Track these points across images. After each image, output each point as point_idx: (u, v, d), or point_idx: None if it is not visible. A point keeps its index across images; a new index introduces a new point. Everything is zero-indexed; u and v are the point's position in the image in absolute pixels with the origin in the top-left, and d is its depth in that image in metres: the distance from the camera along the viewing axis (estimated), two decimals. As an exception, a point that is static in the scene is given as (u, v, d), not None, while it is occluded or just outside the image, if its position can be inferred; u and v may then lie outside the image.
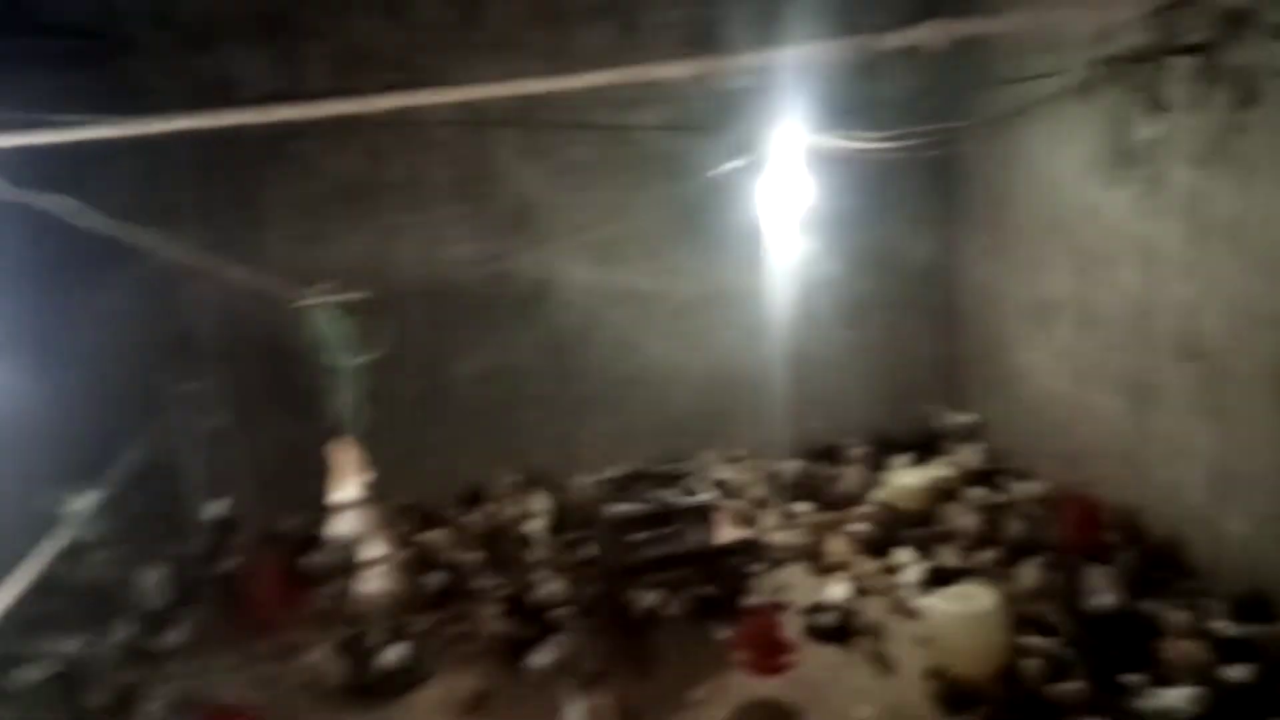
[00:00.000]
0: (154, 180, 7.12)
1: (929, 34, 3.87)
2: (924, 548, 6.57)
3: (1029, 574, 5.96)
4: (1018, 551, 6.24)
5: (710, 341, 8.42)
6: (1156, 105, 4.52)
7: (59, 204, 3.58)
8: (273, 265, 7.72)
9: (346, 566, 5.00)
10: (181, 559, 6.60)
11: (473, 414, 8.17)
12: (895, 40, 4.01)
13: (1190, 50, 4.03)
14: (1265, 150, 5.15)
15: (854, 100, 7.60)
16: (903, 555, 6.49)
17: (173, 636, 5.99)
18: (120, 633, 6.15)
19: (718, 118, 7.88)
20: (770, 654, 5.27)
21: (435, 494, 7.92)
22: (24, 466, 6.83)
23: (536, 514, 7.39)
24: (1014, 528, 6.57)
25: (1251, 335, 5.43)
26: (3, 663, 5.70)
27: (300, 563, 6.97)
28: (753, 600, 5.92)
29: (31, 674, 5.60)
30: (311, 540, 7.40)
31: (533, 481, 7.92)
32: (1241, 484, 5.57)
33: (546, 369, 8.35)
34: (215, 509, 5.76)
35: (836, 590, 6.17)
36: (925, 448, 8.12)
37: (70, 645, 5.92)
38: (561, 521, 7.36)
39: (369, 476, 4.90)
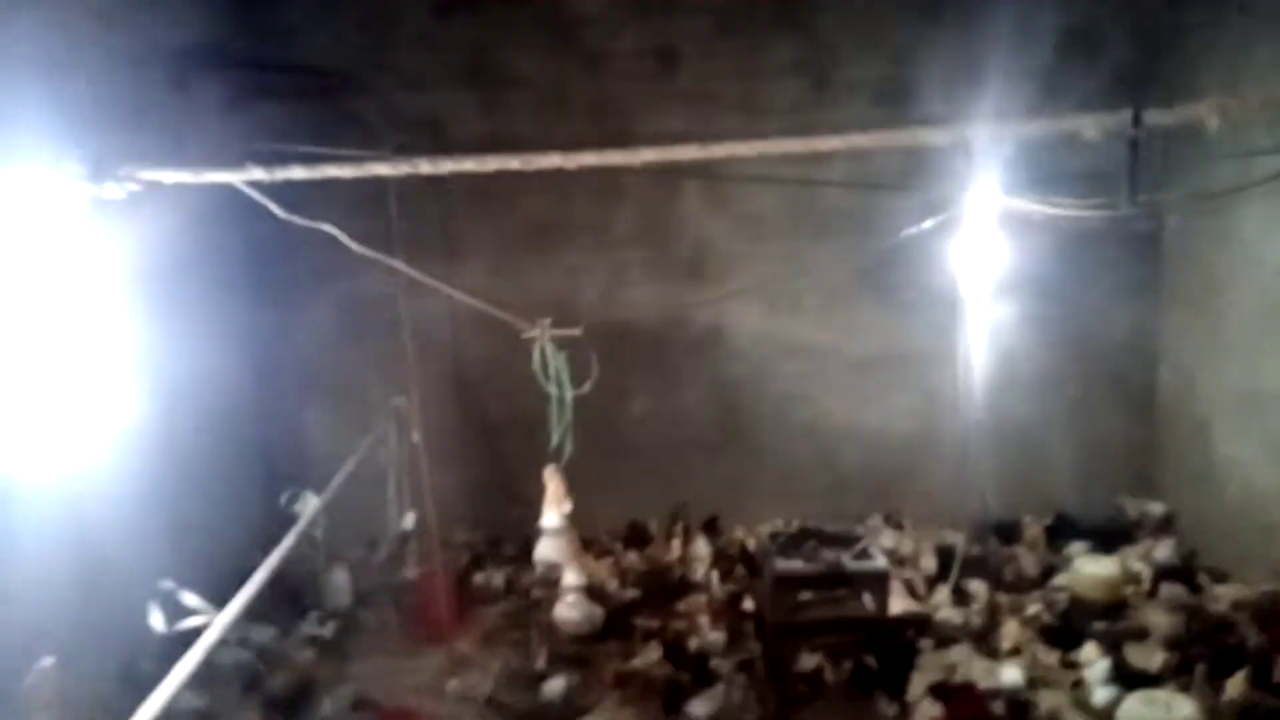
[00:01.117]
0: (363, 207, 7.65)
1: (1122, 124, 3.73)
2: (1111, 644, 6.14)
3: (1235, 687, 5.47)
4: (1220, 660, 5.75)
5: (886, 402, 8.25)
6: None
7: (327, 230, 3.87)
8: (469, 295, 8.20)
9: (546, 589, 5.15)
10: (368, 565, 6.96)
11: (638, 454, 8.27)
12: (1092, 127, 3.89)
13: None
14: None
15: (1055, 165, 7.38)
16: (1087, 649, 6.09)
17: (353, 638, 6.27)
18: (307, 629, 6.54)
19: (907, 175, 7.81)
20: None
21: (596, 529, 8.06)
22: (256, 469, 7.41)
23: (698, 559, 7.37)
24: (1215, 634, 6.07)
25: None
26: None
27: (474, 582, 7.24)
28: (939, 674, 5.68)
29: (226, 657, 6.01)
30: (484, 560, 7.70)
31: (694, 527, 7.93)
32: None
33: (714, 416, 8.39)
34: (406, 521, 6.02)
35: (1011, 674, 5.84)
36: (1110, 535, 7.65)
37: (263, 635, 6.32)
38: (722, 570, 7.31)
39: (570, 505, 5.06)
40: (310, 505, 4.34)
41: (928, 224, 6.56)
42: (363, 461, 5.54)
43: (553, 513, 5.08)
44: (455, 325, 8.21)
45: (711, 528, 7.95)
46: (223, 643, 6.22)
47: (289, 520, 4.33)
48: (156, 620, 3.02)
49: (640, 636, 6.50)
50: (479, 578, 7.45)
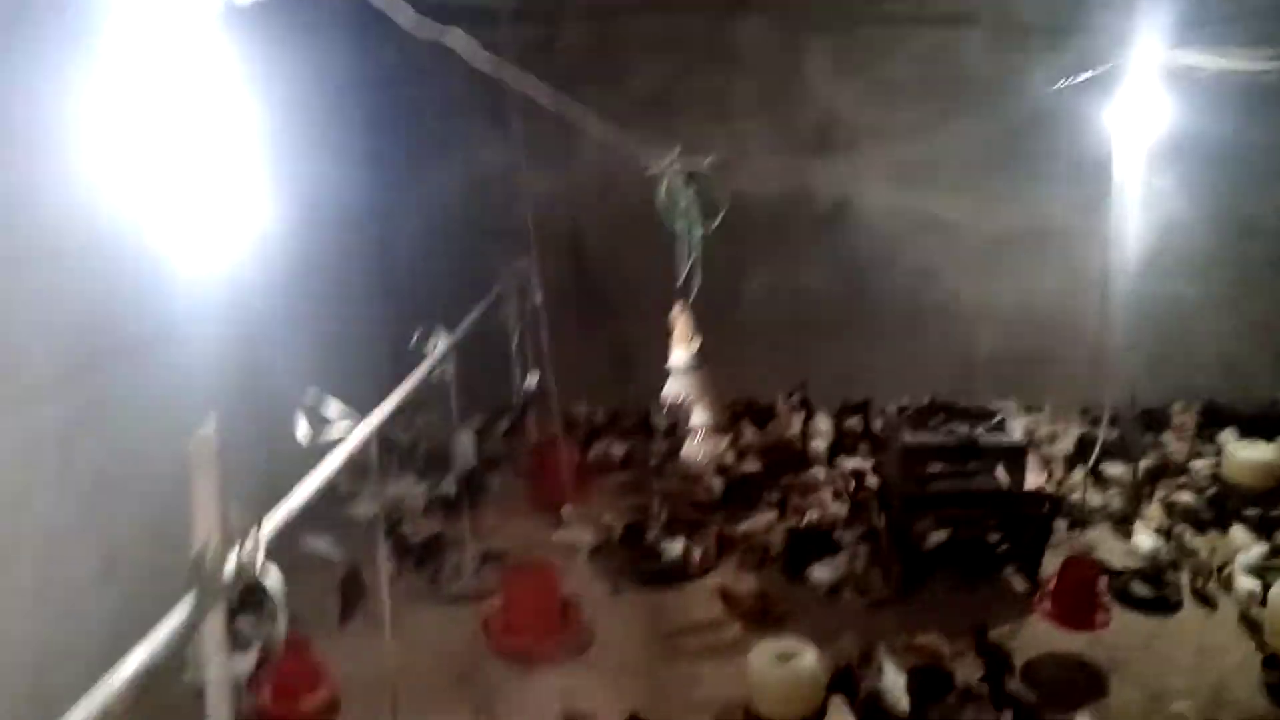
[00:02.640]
0: (483, 78, 7.55)
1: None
2: (1264, 530, 5.77)
3: None
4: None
5: (1025, 280, 7.81)
6: None
7: (459, 41, 3.77)
8: (583, 169, 8.08)
9: (677, 428, 5.13)
10: (492, 426, 7.10)
11: (759, 331, 8.09)
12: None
13: None
14: None
15: (1224, 7, 6.70)
16: (1236, 533, 5.74)
17: (478, 498, 6.44)
18: (435, 486, 6.76)
19: (1053, 34, 7.22)
20: (1083, 607, 4.84)
21: (715, 406, 7.99)
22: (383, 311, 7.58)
23: (819, 435, 7.23)
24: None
25: None
26: (339, 498, 6.45)
27: (593, 452, 7.34)
28: (1068, 552, 5.46)
29: (360, 510, 6.27)
30: (602, 432, 7.77)
31: (816, 405, 7.76)
32: None
33: (839, 293, 8.11)
34: (529, 382, 6.06)
35: (1147, 544, 5.57)
36: (1265, 425, 7.12)
37: (394, 489, 6.57)
38: (844, 447, 7.17)
39: (699, 342, 5.00)
40: (441, 344, 4.35)
41: (1079, 77, 6.05)
42: (486, 322, 5.57)
43: (681, 351, 5.00)
44: (573, 205, 8.12)
45: (831, 406, 7.75)
46: (357, 496, 6.59)
47: (418, 361, 4.36)
48: (302, 431, 3.06)
49: (761, 507, 6.46)
50: (597, 448, 7.52)
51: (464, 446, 6.98)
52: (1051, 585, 5.13)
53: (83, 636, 3.96)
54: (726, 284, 8.03)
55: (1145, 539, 5.71)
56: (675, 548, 5.94)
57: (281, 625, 2.10)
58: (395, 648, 5.16)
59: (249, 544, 2.02)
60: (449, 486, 6.78)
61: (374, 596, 5.70)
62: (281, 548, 2.32)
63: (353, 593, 5.67)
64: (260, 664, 4.47)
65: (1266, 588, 4.97)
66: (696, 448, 5.13)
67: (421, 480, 6.97)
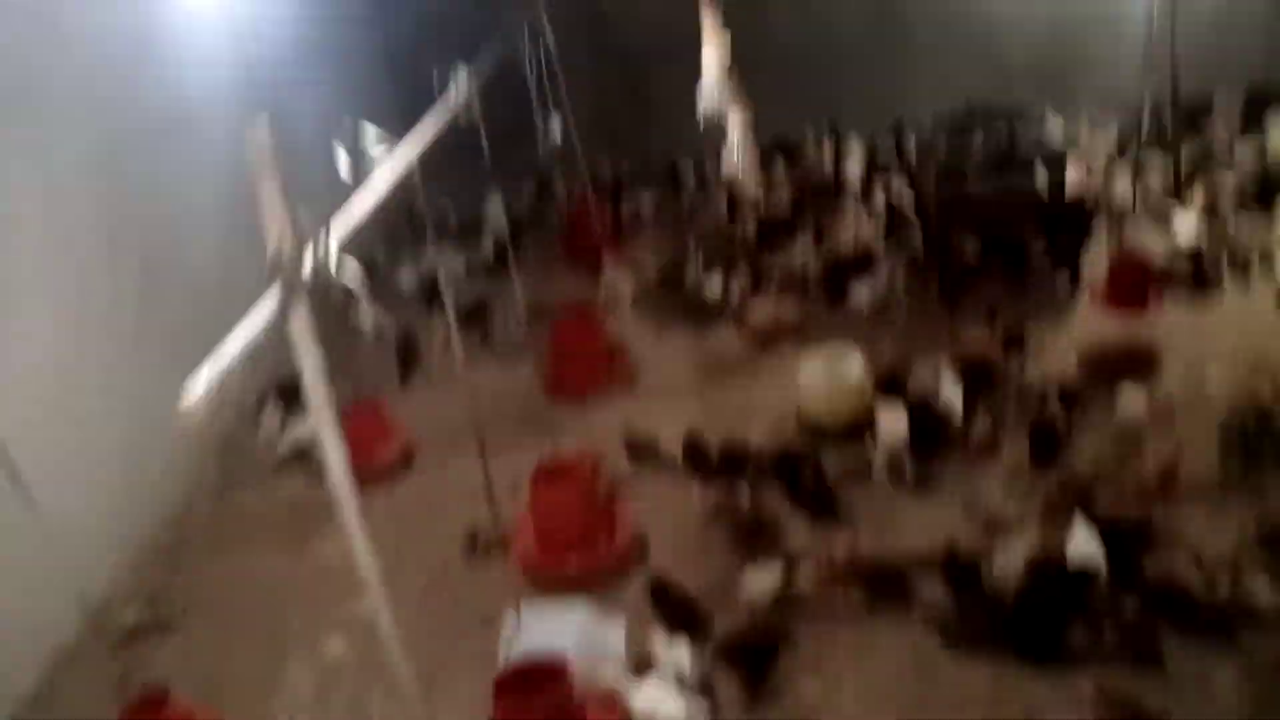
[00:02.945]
0: None
1: None
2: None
3: None
4: None
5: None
6: None
7: None
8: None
9: (716, 137, 5.07)
10: (520, 187, 7.00)
11: (783, 59, 7.72)
12: None
13: None
14: None
15: None
16: (1281, 211, 5.66)
17: (515, 259, 6.47)
18: (472, 256, 6.84)
19: None
20: (1135, 294, 4.89)
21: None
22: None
23: (852, 161, 7.08)
24: None
25: None
26: (379, 270, 6.58)
27: (622, 206, 7.32)
28: (1112, 246, 5.46)
29: (404, 281, 6.39)
30: (631, 186, 7.71)
31: (846, 132, 7.56)
32: None
33: (864, 10, 7.67)
34: (550, 133, 5.94)
35: (1190, 239, 5.55)
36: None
37: (431, 259, 6.64)
38: (878, 168, 7.05)
39: (729, 41, 4.83)
40: (463, 81, 4.22)
41: None
42: (502, 74, 5.38)
43: (711, 50, 4.80)
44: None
45: (863, 133, 7.53)
46: (401, 266, 6.70)
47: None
48: (344, 165, 3.04)
49: (796, 237, 6.47)
50: (627, 202, 7.48)
51: (495, 210, 6.98)
52: (1101, 280, 5.13)
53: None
54: (750, 18, 7.62)
55: (1185, 225, 5.65)
56: (715, 285, 6.03)
57: (366, 314, 2.22)
58: (460, 398, 5.48)
59: (321, 244, 2.07)
60: (486, 251, 6.84)
61: (428, 358, 5.94)
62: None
63: (409, 356, 5.89)
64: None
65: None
66: (737, 158, 5.00)
67: (459, 249, 7.04)
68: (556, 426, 5.01)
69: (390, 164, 3.13)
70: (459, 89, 4.15)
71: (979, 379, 4.62)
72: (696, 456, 4.47)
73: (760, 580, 3.67)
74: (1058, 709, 3.08)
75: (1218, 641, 3.21)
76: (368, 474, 4.91)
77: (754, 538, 4.00)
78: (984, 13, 7.54)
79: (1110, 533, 3.56)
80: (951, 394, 4.50)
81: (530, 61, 5.60)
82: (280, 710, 3.69)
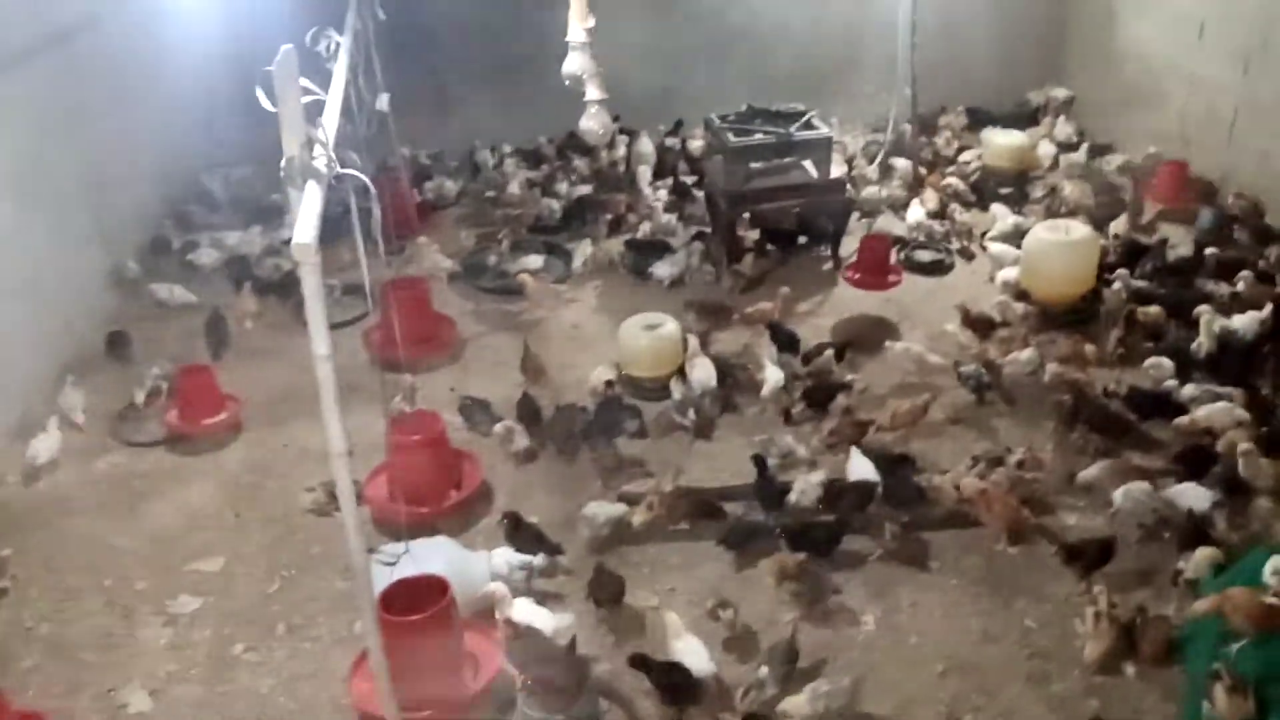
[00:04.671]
0: None
1: None
2: (1016, 204, 6.96)
3: (1117, 226, 6.41)
4: (1109, 210, 6.67)
5: (817, 5, 8.32)
6: None
7: None
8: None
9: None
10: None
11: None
12: None
13: None
14: None
15: None
16: (995, 208, 6.86)
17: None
18: (278, 234, 6.82)
19: None
20: (880, 272, 5.83)
21: (532, 138, 8.34)
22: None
23: (643, 160, 7.70)
24: (1105, 191, 6.98)
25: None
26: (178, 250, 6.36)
27: (426, 190, 7.56)
28: (863, 233, 6.46)
29: (203, 258, 6.24)
30: (431, 172, 7.92)
31: (633, 131, 8.19)
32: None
33: (647, 17, 8.29)
34: (379, 104, 6.07)
35: (919, 224, 6.72)
36: (1018, 120, 8.25)
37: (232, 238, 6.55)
38: (666, 166, 7.73)
39: (593, 21, 5.23)
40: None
41: None
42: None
43: (577, 26, 5.17)
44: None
45: (650, 130, 8.19)
46: (197, 246, 6.57)
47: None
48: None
49: (598, 225, 7.02)
50: (430, 186, 7.70)
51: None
52: (854, 258, 6.06)
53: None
54: (539, 15, 8.05)
55: (917, 213, 6.80)
56: (525, 263, 6.46)
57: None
58: (281, 369, 5.54)
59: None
60: (289, 230, 6.80)
61: (239, 332, 5.92)
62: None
63: (219, 331, 5.84)
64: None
65: (1017, 249, 6.10)
66: (595, 119, 5.39)
67: (263, 230, 7.00)
68: (389, 391, 5.21)
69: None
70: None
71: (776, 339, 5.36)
72: (529, 414, 4.87)
73: (599, 513, 4.16)
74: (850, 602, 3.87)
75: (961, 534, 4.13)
76: (199, 438, 4.94)
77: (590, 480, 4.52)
78: (750, 19, 8.36)
79: (880, 459, 4.40)
80: (750, 354, 5.24)
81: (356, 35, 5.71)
82: (134, 666, 3.72)
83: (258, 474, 4.80)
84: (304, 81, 3.13)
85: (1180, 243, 6.23)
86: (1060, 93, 8.37)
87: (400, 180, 6.91)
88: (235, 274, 6.35)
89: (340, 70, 3.44)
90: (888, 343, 5.35)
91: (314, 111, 2.96)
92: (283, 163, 2.39)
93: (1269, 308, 5.12)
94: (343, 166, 2.68)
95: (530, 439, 4.76)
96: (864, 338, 5.59)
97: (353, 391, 5.34)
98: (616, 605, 3.81)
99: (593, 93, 5.39)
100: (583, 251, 6.58)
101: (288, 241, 6.46)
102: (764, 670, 3.40)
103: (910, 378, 5.19)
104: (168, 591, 4.07)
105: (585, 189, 7.49)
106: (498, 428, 4.79)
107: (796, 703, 3.27)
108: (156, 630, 3.90)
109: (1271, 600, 3.27)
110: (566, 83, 5.41)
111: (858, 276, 5.91)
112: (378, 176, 6.99)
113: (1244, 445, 4.17)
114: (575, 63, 5.32)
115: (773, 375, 4.96)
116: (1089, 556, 3.85)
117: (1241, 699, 3.08)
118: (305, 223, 2.35)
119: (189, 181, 7.68)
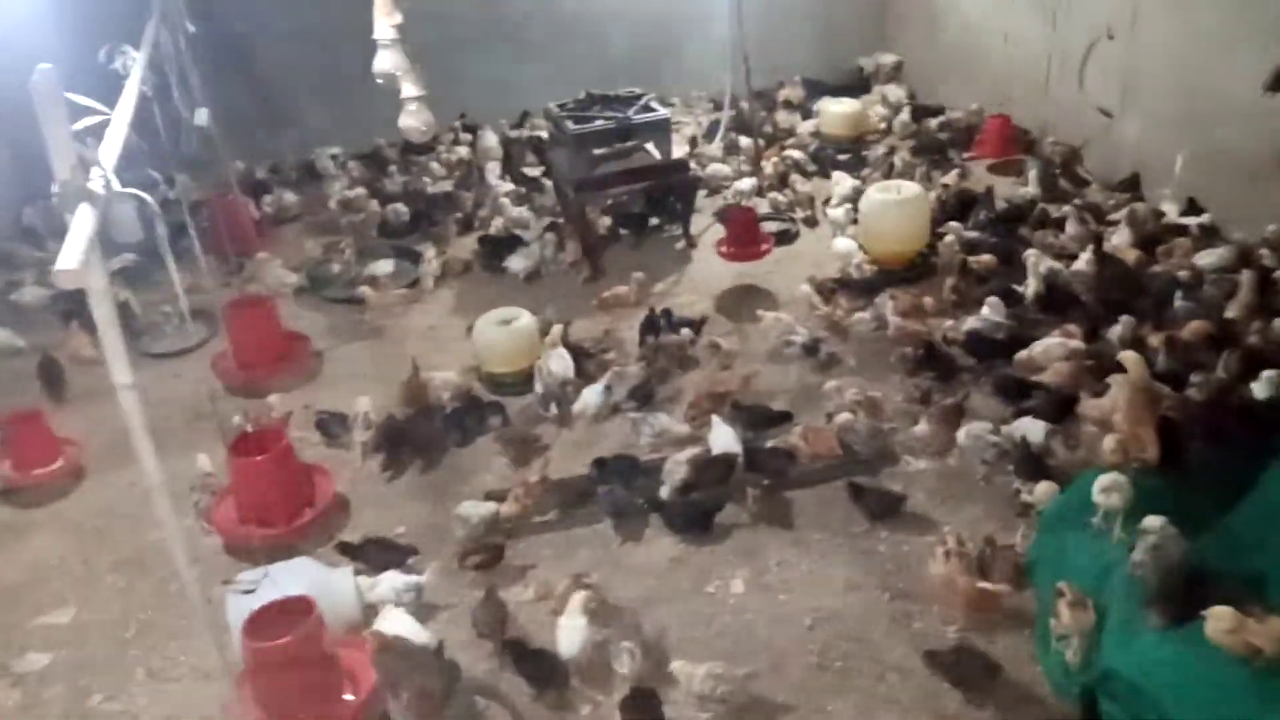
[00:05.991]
0: None
1: None
2: (853, 169, 7.20)
3: (949, 178, 6.73)
4: (936, 163, 7.00)
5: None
6: None
7: None
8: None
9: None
10: (158, 189, 6.62)
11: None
12: None
13: None
14: None
15: None
16: (835, 175, 7.08)
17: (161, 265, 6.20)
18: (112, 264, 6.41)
19: None
20: (750, 242, 5.97)
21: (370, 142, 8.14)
22: None
23: (489, 151, 7.62)
24: (933, 146, 7.31)
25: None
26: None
27: (265, 204, 7.28)
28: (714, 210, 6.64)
29: (27, 296, 5.83)
30: (269, 186, 7.65)
31: (473, 125, 8.11)
32: (1144, 92, 6.23)
33: (480, 9, 8.21)
34: (199, 120, 5.79)
35: (748, 183, 6.98)
36: (851, 89, 8.55)
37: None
38: (512, 158, 7.68)
39: (400, 17, 5.09)
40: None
41: None
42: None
43: (384, 22, 5.00)
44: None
45: (491, 123, 8.12)
46: (20, 285, 6.13)
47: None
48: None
49: (449, 223, 6.94)
50: (269, 200, 7.44)
51: (127, 216, 6.56)
52: (724, 233, 6.18)
53: None
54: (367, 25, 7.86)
55: (746, 184, 7.00)
56: (375, 269, 6.33)
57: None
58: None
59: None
60: (123, 261, 6.45)
61: (75, 372, 5.59)
62: None
63: (53, 373, 5.49)
64: None
65: (854, 211, 6.32)
66: (415, 116, 5.24)
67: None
68: (239, 413, 4.99)
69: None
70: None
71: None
72: (391, 432, 4.77)
73: (473, 513, 4.12)
74: (721, 570, 3.94)
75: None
76: (36, 487, 4.65)
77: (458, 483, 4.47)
78: (584, 5, 8.37)
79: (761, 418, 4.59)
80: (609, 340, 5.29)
81: (171, 53, 5.46)
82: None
83: (104, 518, 4.55)
84: (87, 100, 3.00)
85: (1010, 196, 6.56)
86: (889, 58, 8.72)
87: (232, 197, 6.65)
88: (63, 310, 5.99)
89: (132, 86, 3.27)
90: (760, 312, 5.45)
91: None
92: (54, 188, 2.27)
93: (1090, 249, 5.47)
94: (146, 186, 2.58)
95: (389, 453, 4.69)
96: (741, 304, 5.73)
97: (201, 420, 5.21)
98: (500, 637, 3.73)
99: (409, 89, 5.28)
100: (431, 253, 6.47)
101: (119, 271, 6.28)
102: (627, 644, 3.43)
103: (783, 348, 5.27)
104: (12, 651, 3.83)
105: (441, 188, 7.41)
106: (356, 438, 4.70)
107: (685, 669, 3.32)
108: (4, 693, 3.67)
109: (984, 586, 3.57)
110: (379, 81, 5.28)
111: (731, 250, 6.01)
112: (214, 195, 6.80)
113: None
114: (386, 60, 5.19)
115: (588, 397, 4.85)
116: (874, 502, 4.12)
117: (1082, 611, 3.30)
118: (72, 247, 2.23)
119: (10, 219, 7.25)
